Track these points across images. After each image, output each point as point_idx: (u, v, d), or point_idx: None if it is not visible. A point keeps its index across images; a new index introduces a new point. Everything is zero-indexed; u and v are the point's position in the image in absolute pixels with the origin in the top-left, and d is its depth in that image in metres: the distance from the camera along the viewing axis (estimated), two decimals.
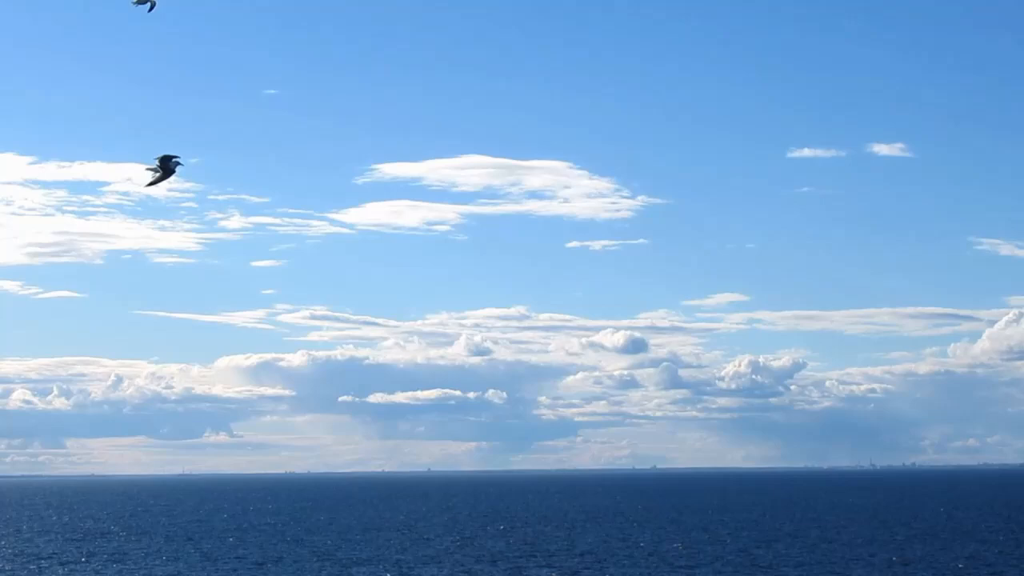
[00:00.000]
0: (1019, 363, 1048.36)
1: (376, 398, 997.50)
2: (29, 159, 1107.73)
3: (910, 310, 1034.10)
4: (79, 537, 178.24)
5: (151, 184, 54.80)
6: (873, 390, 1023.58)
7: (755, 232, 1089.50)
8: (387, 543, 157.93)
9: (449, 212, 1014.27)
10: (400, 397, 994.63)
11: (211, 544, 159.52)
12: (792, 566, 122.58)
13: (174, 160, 54.80)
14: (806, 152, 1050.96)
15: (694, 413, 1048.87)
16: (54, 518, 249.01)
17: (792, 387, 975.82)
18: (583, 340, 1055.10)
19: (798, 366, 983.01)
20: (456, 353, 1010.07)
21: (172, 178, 56.16)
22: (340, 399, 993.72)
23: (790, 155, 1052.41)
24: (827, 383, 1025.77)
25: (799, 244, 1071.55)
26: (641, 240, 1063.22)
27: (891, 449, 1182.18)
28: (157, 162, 54.85)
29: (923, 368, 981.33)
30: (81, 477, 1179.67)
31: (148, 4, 56.40)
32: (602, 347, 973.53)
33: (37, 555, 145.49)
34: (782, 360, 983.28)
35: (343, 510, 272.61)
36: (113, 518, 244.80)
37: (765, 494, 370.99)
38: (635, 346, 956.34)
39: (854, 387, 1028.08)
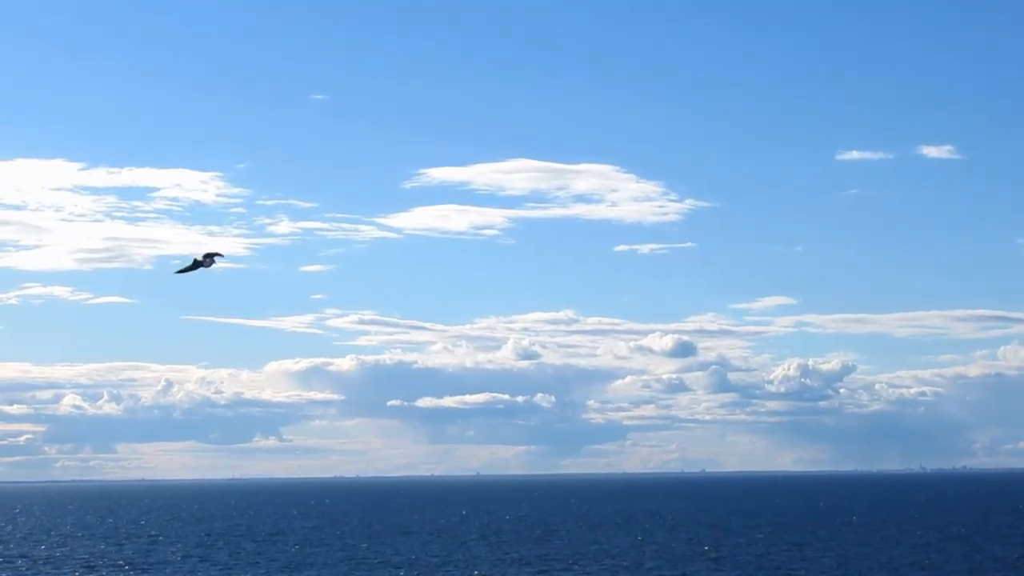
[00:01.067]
0: None
1: (425, 402, 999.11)
2: (79, 165, 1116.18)
3: (959, 312, 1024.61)
4: (113, 539, 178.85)
5: (181, 271, 54.31)
6: (923, 393, 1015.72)
7: (803, 235, 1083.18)
8: (416, 546, 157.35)
9: (496, 216, 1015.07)
10: (448, 401, 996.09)
11: (247, 546, 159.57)
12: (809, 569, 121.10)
13: (216, 256, 53.96)
14: (854, 155, 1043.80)
15: (743, 416, 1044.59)
16: (92, 520, 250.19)
17: (841, 390, 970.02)
18: (631, 344, 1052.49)
19: (847, 369, 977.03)
20: (504, 357, 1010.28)
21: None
22: (389, 403, 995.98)
23: (838, 157, 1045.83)
24: (877, 386, 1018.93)
25: (847, 247, 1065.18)
26: (689, 243, 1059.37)
27: (942, 452, 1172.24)
28: (203, 256, 54.37)
29: (973, 371, 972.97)
30: (131, 482, 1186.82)
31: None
32: (650, 351, 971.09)
33: (44, 558, 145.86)
34: (831, 363, 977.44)
35: (383, 513, 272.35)
36: (153, 522, 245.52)
37: (810, 497, 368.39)
38: (683, 350, 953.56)
39: (904, 390, 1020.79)
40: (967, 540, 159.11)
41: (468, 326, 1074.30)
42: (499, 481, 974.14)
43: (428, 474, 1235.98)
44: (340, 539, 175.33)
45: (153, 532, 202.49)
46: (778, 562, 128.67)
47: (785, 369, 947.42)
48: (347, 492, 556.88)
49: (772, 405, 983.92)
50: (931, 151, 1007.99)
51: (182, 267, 54.68)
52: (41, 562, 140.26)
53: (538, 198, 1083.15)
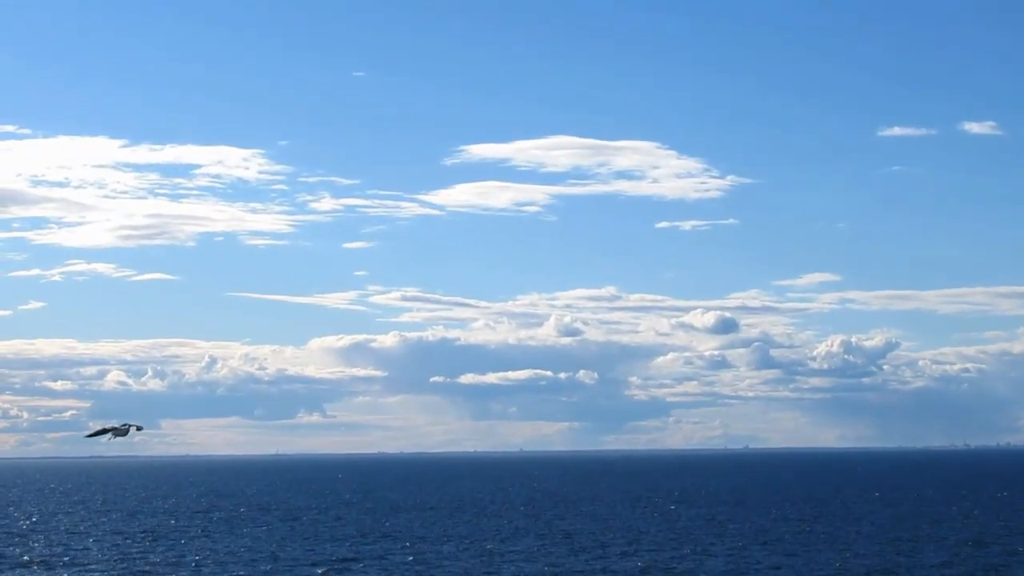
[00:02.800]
0: None
1: (467, 379, 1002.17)
2: (121, 142, 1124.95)
3: (1004, 289, 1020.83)
4: (140, 512, 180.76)
5: (91, 435, 53.16)
6: (967, 370, 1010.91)
7: (846, 211, 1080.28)
8: (437, 521, 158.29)
9: (538, 193, 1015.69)
10: (491, 378, 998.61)
11: (267, 519, 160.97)
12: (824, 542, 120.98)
13: (133, 428, 52.78)
14: (896, 131, 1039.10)
15: (786, 393, 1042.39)
16: (128, 494, 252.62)
17: (885, 367, 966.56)
18: (673, 320, 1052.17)
19: (891, 346, 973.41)
20: (546, 334, 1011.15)
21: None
22: (432, 380, 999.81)
23: (880, 134, 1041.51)
24: (920, 363, 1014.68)
25: (890, 223, 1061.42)
26: (731, 220, 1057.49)
27: (986, 429, 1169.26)
28: (120, 424, 53.26)
29: (1018, 347, 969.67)
30: (176, 457, 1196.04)
31: None
32: (692, 327, 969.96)
33: (70, 530, 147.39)
34: (875, 340, 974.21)
35: (417, 489, 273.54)
36: (189, 497, 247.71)
37: (849, 474, 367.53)
38: (726, 326, 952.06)
39: (947, 367, 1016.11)
40: (995, 516, 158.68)
41: (510, 303, 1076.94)
42: (542, 458, 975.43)
43: (472, 450, 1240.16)
44: (355, 513, 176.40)
45: (176, 506, 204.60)
46: (778, 535, 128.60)
47: (828, 346, 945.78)
48: (388, 468, 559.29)
49: (815, 382, 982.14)
50: (973, 127, 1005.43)
51: (92, 432, 54.10)
52: (68, 534, 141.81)
53: (579, 175, 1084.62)
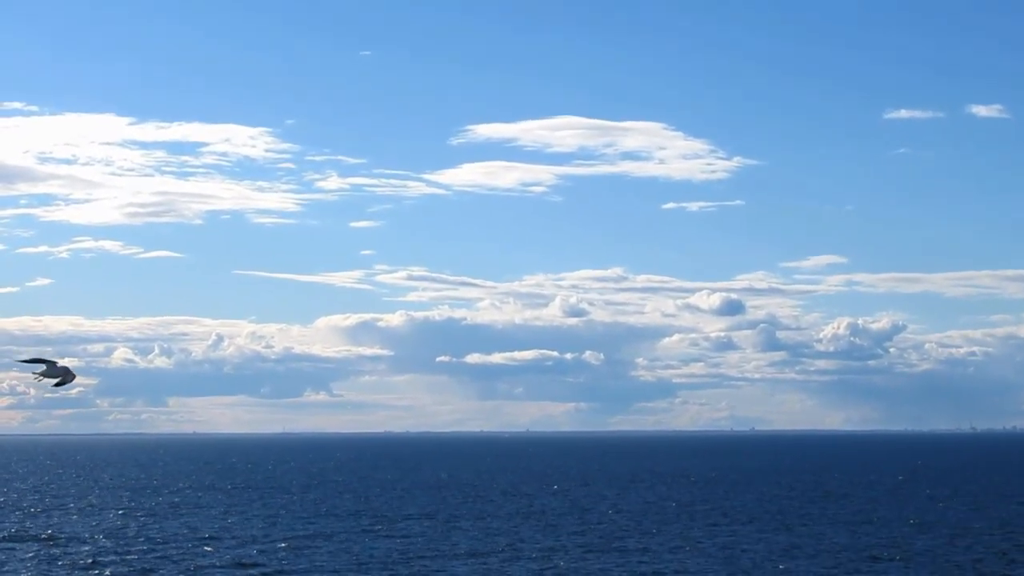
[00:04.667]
0: None
1: (473, 359, 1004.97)
2: (128, 119, 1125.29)
3: (1011, 272, 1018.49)
4: (130, 488, 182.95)
5: (26, 361, 52.03)
6: (973, 353, 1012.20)
7: (853, 194, 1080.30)
8: (435, 500, 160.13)
9: (544, 173, 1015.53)
10: (497, 358, 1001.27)
11: (280, 499, 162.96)
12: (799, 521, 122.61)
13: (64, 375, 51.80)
14: (903, 113, 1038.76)
15: (792, 375, 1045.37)
16: (133, 473, 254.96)
17: (891, 350, 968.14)
18: (679, 302, 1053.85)
19: (897, 328, 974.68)
20: (552, 314, 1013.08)
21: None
22: (438, 359, 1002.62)
23: (886, 116, 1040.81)
24: (926, 346, 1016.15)
25: (897, 206, 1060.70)
26: (737, 201, 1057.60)
27: (992, 412, 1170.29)
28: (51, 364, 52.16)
29: None
30: (183, 435, 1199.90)
31: None
32: (698, 309, 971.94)
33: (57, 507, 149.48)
34: (881, 322, 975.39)
35: (417, 469, 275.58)
36: (187, 473, 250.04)
37: (848, 457, 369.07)
38: (732, 308, 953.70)
39: (954, 350, 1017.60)
40: (964, 498, 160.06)
41: (516, 283, 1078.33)
42: (549, 438, 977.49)
43: (478, 430, 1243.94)
44: (361, 492, 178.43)
45: (182, 484, 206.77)
46: (753, 515, 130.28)
47: (835, 328, 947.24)
48: (393, 447, 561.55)
49: (821, 364, 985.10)
50: (980, 110, 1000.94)
51: (27, 359, 52.29)
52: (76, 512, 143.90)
53: (585, 155, 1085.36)
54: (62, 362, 51.21)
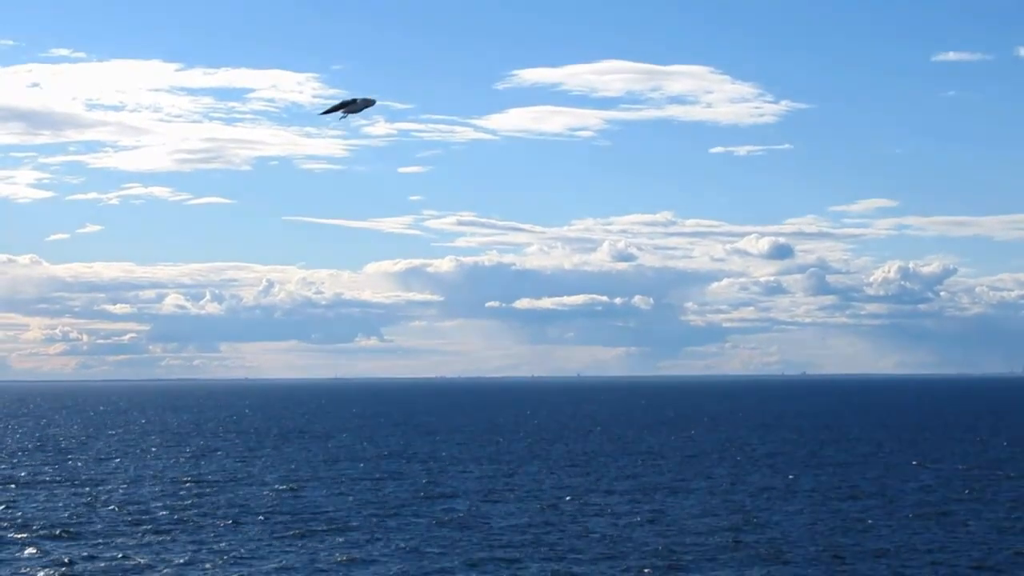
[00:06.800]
0: None
1: (523, 303, 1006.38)
2: (176, 66, 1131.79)
3: None
4: (166, 432, 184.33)
5: (327, 112, 50.75)
6: None
7: (902, 136, 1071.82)
8: (459, 443, 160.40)
9: (591, 118, 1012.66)
10: (547, 303, 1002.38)
11: (310, 444, 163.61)
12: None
13: (367, 102, 50.64)
14: (951, 56, 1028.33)
15: (843, 319, 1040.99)
16: (170, 418, 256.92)
17: (942, 293, 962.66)
18: (728, 246, 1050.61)
19: (948, 272, 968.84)
20: (600, 259, 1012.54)
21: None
22: (487, 305, 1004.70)
23: (934, 59, 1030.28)
24: (977, 289, 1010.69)
25: (947, 149, 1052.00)
26: (786, 145, 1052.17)
27: None
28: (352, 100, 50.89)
29: None
30: (234, 380, 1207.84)
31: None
32: (747, 253, 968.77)
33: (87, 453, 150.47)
34: (932, 266, 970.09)
35: (458, 413, 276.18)
36: (222, 419, 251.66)
37: (886, 401, 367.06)
38: (781, 252, 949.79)
39: (1005, 293, 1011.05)
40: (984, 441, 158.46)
41: (565, 228, 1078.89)
42: (599, 383, 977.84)
43: (529, 375, 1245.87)
44: (383, 437, 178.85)
45: (212, 426, 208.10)
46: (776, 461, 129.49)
47: (885, 272, 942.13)
48: (441, 392, 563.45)
49: (872, 308, 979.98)
50: None
51: (327, 108, 51.37)
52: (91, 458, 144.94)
53: (632, 99, 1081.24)
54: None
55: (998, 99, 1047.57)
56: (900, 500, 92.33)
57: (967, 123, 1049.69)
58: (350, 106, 49.74)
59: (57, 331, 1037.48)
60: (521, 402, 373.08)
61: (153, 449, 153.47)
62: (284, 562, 65.95)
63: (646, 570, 63.77)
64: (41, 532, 76.49)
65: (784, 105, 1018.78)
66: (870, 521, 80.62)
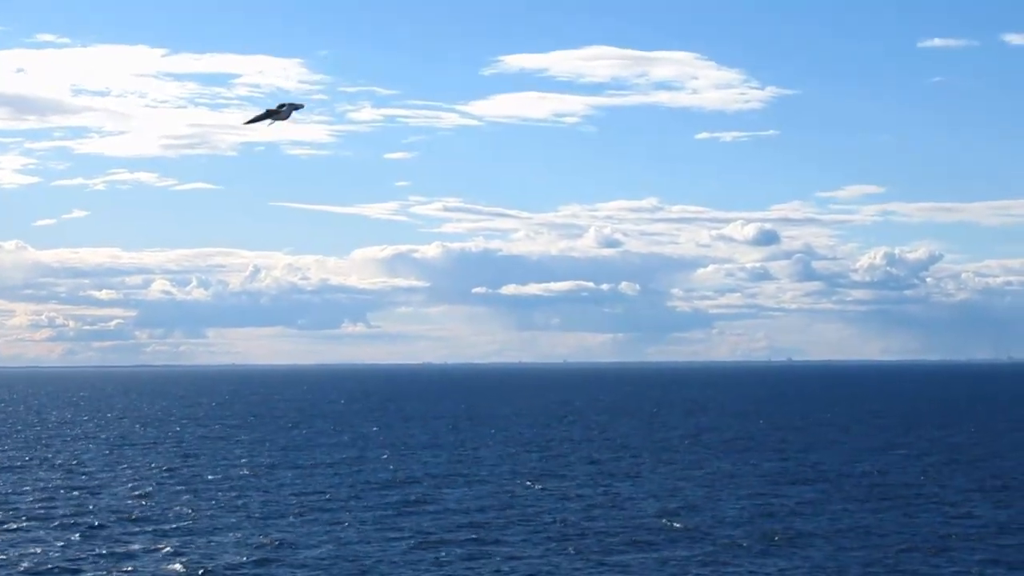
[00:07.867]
0: None
1: (509, 290, 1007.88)
2: (161, 51, 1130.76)
3: None
4: (146, 421, 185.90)
5: (250, 122, 50.82)
6: (1010, 282, 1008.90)
7: (888, 123, 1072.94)
8: (437, 429, 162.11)
9: (577, 103, 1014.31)
10: (533, 289, 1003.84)
11: (267, 426, 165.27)
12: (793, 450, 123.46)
13: (292, 108, 50.58)
14: (936, 42, 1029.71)
15: (829, 305, 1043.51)
16: (145, 406, 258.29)
17: (928, 279, 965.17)
18: (714, 232, 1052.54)
19: (934, 258, 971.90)
20: (587, 245, 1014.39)
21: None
22: (474, 291, 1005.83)
23: (920, 45, 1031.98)
24: (963, 275, 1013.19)
25: (933, 135, 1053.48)
26: (772, 131, 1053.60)
27: None
28: (277, 106, 50.96)
29: None
30: (221, 366, 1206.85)
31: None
32: (733, 239, 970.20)
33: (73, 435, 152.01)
34: (917, 252, 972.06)
35: (437, 399, 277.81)
36: (200, 405, 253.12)
37: (867, 387, 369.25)
38: (766, 238, 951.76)
39: (991, 279, 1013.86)
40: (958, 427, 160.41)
41: (551, 214, 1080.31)
42: (586, 369, 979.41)
43: (516, 361, 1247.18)
44: (364, 422, 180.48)
45: (201, 413, 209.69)
46: (752, 444, 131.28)
47: (871, 258, 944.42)
48: (425, 378, 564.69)
49: (858, 294, 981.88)
50: (1013, 38, 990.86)
51: (252, 118, 51.64)
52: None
53: (618, 85, 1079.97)
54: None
55: (984, 85, 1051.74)
56: (850, 485, 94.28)
57: (953, 109, 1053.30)
58: (276, 114, 50.52)
59: (43, 317, 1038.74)
60: (503, 388, 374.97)
61: (127, 435, 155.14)
62: (216, 540, 67.66)
63: (572, 550, 65.48)
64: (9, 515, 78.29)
65: (770, 91, 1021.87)
66: (810, 505, 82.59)
